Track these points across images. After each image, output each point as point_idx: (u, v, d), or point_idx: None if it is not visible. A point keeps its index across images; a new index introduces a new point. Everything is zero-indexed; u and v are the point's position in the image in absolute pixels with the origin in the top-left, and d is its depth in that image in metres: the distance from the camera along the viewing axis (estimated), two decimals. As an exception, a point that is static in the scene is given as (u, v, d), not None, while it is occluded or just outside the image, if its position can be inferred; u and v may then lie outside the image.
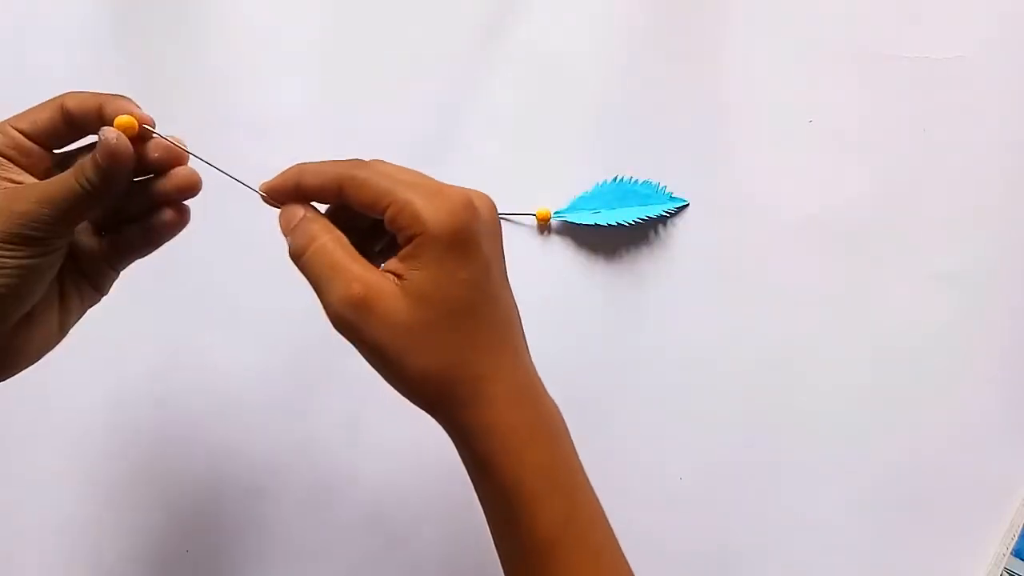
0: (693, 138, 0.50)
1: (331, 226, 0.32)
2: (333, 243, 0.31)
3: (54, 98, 0.33)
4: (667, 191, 0.50)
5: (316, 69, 0.50)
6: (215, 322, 0.50)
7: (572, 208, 0.49)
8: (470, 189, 0.32)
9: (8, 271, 0.31)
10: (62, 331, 0.36)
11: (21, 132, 0.33)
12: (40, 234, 0.31)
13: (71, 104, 0.33)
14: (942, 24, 0.50)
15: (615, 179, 0.49)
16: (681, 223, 0.51)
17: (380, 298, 0.30)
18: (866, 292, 0.51)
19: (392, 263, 0.31)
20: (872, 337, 0.51)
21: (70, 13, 0.50)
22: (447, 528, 0.49)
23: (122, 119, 0.32)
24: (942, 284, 0.50)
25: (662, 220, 0.50)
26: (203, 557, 0.49)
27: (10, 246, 0.31)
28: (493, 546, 0.34)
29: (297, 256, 0.32)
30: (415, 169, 0.33)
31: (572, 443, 0.35)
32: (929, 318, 0.51)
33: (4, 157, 0.32)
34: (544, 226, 0.49)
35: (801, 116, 0.50)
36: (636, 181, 0.49)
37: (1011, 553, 0.50)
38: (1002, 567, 0.50)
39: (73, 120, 0.33)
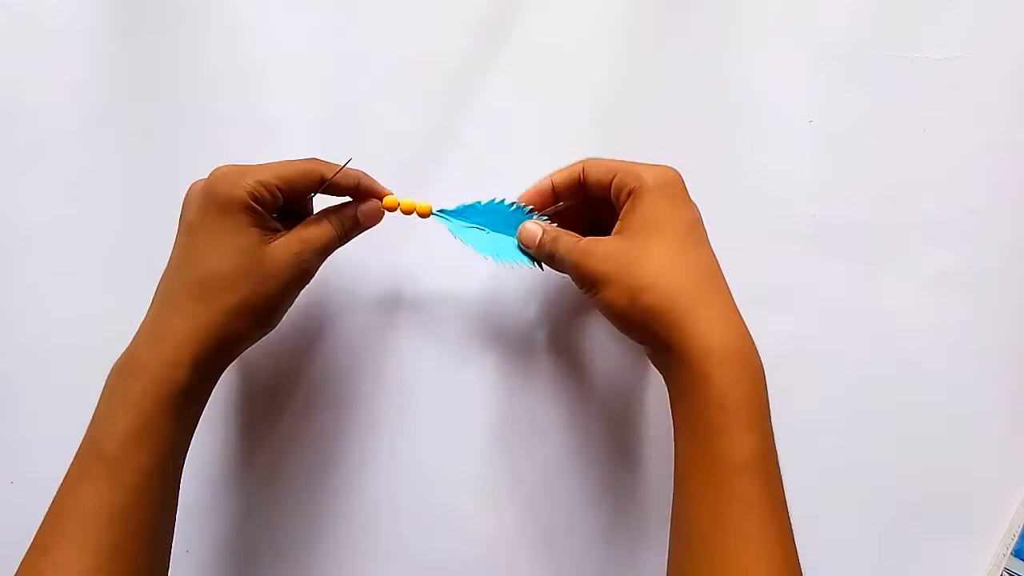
0: (693, 138, 0.50)
1: (556, 227, 0.43)
2: (561, 233, 0.42)
3: (303, 161, 0.41)
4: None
5: (316, 69, 0.50)
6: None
7: (457, 214, 0.45)
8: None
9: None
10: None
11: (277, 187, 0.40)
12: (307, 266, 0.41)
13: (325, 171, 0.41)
14: (942, 24, 0.50)
15: (504, 203, 0.44)
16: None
17: (599, 243, 0.39)
18: (866, 292, 0.51)
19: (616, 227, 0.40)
20: (872, 337, 0.51)
21: (70, 12, 0.50)
22: (448, 529, 0.49)
23: (391, 199, 0.44)
24: (942, 284, 0.51)
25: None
26: (203, 557, 0.49)
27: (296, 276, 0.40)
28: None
29: (550, 256, 0.42)
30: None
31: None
32: (928, 318, 0.51)
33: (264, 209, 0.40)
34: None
35: (801, 116, 0.50)
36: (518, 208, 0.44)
37: (1011, 553, 0.50)
38: (1002, 567, 0.50)
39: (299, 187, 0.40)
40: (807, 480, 0.50)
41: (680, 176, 0.40)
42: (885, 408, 0.51)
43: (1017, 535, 0.50)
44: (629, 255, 0.38)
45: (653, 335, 0.37)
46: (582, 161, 0.42)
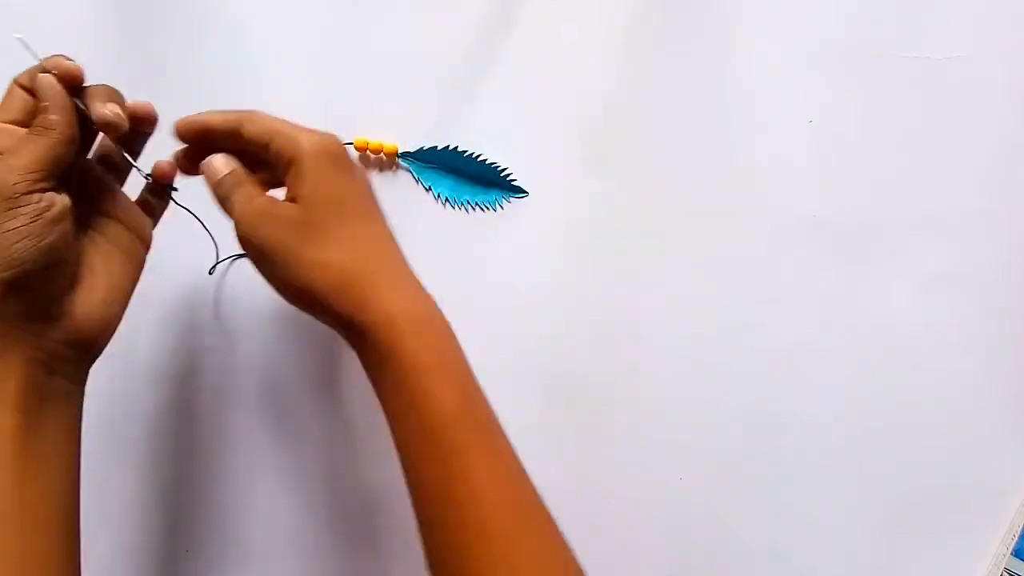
0: (693, 138, 0.50)
1: (245, 172, 0.39)
2: (248, 183, 0.38)
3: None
4: (509, 177, 0.50)
5: (315, 68, 0.50)
6: (216, 324, 0.49)
7: (421, 155, 0.49)
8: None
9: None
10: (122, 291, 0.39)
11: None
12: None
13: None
14: (942, 24, 0.50)
15: (463, 151, 0.49)
16: (681, 223, 0.51)
17: (276, 207, 0.36)
18: (866, 292, 0.51)
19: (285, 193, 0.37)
20: (872, 337, 0.51)
21: (70, 12, 0.50)
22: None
23: (360, 140, 0.46)
24: (942, 284, 0.51)
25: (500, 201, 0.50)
26: (203, 557, 0.49)
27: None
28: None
29: (223, 199, 0.38)
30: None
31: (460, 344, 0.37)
32: (928, 318, 0.51)
33: None
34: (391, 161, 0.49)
35: (801, 116, 0.50)
36: (481, 161, 0.49)
37: (1011, 553, 0.50)
38: (1002, 567, 0.50)
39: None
40: (807, 480, 0.50)
41: (342, 144, 0.38)
42: (885, 408, 0.51)
43: (1017, 535, 0.50)
44: (301, 231, 0.36)
45: (335, 314, 0.36)
46: (244, 113, 0.39)
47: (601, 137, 0.51)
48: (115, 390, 0.49)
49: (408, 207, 0.50)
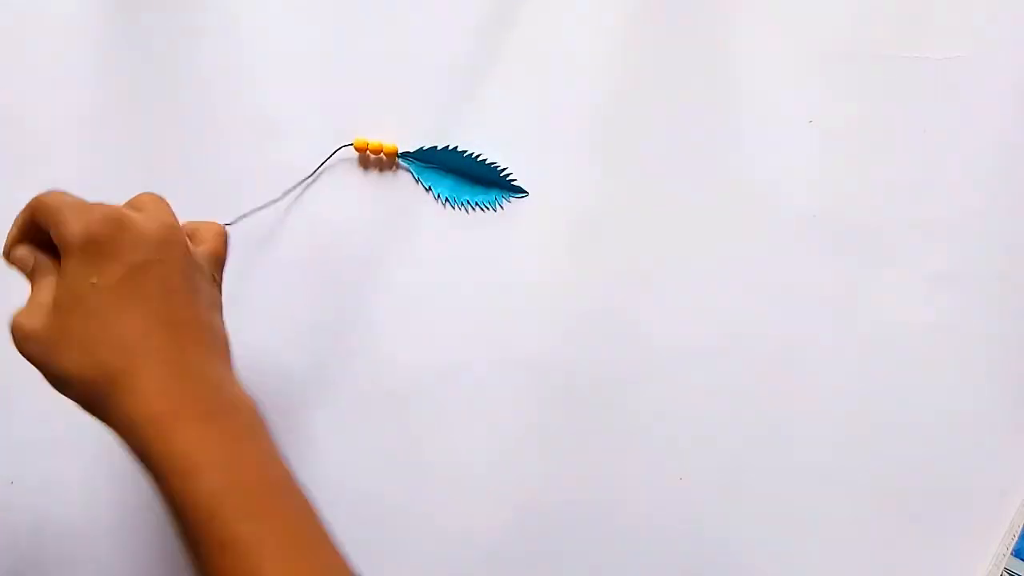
0: (693, 138, 0.50)
1: (31, 268, 0.36)
2: (32, 279, 0.35)
3: None
4: (509, 177, 0.50)
5: (315, 69, 0.50)
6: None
7: (421, 154, 0.49)
8: (147, 204, 0.36)
9: None
10: None
11: None
12: None
13: None
14: (942, 24, 0.50)
15: (463, 152, 0.49)
16: (681, 223, 0.51)
17: (27, 319, 0.34)
18: (866, 292, 0.51)
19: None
20: (872, 337, 0.51)
21: (70, 12, 0.50)
22: (455, 533, 0.49)
23: (360, 141, 0.48)
24: (942, 284, 0.50)
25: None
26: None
27: None
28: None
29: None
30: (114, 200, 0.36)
31: (257, 427, 0.35)
32: (929, 318, 0.51)
33: None
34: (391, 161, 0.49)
35: (801, 116, 0.50)
36: (481, 161, 0.50)
37: (1011, 553, 0.50)
38: (1002, 567, 0.50)
39: None
40: (807, 480, 0.50)
41: (111, 221, 0.34)
42: (885, 408, 0.51)
43: (1017, 535, 0.50)
44: (49, 343, 0.33)
45: (101, 419, 0.34)
46: (37, 199, 0.35)
47: (601, 137, 0.51)
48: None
49: (408, 207, 0.50)
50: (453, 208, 0.49)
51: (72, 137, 0.49)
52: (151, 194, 0.37)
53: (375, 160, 0.50)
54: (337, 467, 0.49)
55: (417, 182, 0.49)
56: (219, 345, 0.37)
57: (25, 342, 0.34)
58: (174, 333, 0.35)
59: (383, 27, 0.50)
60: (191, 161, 0.50)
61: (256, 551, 0.32)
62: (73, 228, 0.33)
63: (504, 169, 0.50)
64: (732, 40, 0.50)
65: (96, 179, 0.49)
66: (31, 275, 0.36)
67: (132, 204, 0.37)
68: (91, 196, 0.49)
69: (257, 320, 0.49)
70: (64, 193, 0.35)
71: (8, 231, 0.36)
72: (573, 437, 0.50)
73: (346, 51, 0.50)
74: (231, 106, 0.50)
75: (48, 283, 0.35)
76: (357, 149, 0.48)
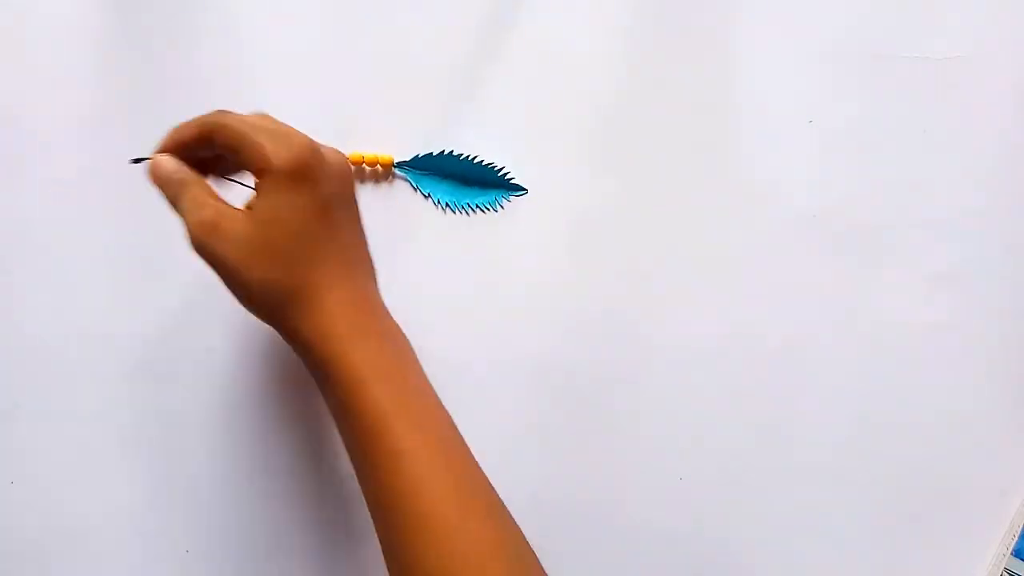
0: (693, 138, 0.50)
1: (194, 174, 0.38)
2: (196, 185, 0.37)
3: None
4: (507, 176, 0.50)
5: (315, 69, 0.50)
6: (216, 325, 0.49)
7: (417, 162, 0.49)
8: (325, 145, 0.38)
9: None
10: None
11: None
12: None
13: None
14: (942, 24, 0.50)
15: (458, 155, 0.49)
16: (681, 222, 0.51)
17: (226, 221, 0.36)
18: (866, 292, 0.51)
19: (249, 200, 0.38)
20: (872, 337, 0.51)
21: (70, 12, 0.50)
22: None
23: (355, 155, 0.47)
24: (942, 284, 0.51)
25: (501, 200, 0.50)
26: (203, 557, 0.49)
27: None
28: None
29: (172, 200, 0.38)
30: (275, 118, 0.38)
31: (410, 351, 0.39)
32: (928, 318, 0.51)
33: None
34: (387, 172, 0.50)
35: (801, 116, 0.50)
36: (478, 162, 0.50)
37: (1011, 553, 0.50)
38: (1002, 567, 0.50)
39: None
40: (807, 480, 0.50)
41: (315, 153, 0.37)
42: (885, 408, 0.51)
43: (1017, 535, 0.50)
44: (248, 250, 0.36)
45: (279, 325, 0.37)
46: (214, 119, 0.37)
47: (600, 135, 0.51)
48: (114, 391, 0.49)
49: (408, 215, 0.50)
50: (454, 212, 0.50)
51: (72, 137, 0.49)
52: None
53: (371, 172, 0.50)
54: (338, 467, 0.49)
55: (415, 190, 0.49)
56: (375, 274, 0.41)
57: (221, 242, 0.36)
58: (353, 259, 0.39)
59: (379, 29, 0.50)
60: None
61: (421, 459, 0.35)
62: (281, 154, 0.35)
63: (501, 168, 0.50)
64: (732, 40, 0.50)
65: (96, 179, 0.49)
66: (180, 186, 0.37)
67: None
68: (91, 196, 0.50)
69: (258, 329, 0.49)
70: (240, 115, 0.37)
71: (161, 142, 0.38)
72: (573, 437, 0.50)
73: (345, 52, 0.50)
74: (230, 107, 0.50)
75: (207, 195, 0.37)
76: (353, 163, 0.48)
